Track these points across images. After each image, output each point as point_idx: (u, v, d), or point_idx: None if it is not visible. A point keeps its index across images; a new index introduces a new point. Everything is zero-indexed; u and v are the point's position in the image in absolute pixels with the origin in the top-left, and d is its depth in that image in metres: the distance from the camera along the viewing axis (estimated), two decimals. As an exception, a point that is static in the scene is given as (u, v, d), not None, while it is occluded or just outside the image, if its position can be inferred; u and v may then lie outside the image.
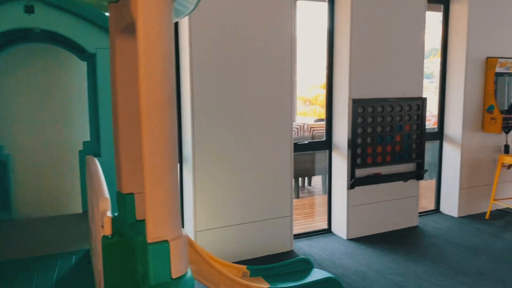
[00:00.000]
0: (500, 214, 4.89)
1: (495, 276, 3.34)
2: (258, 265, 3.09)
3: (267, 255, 3.78)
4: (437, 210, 5.08)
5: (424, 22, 4.30)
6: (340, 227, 4.26)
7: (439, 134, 4.97)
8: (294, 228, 4.08)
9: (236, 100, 3.53)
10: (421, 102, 4.37)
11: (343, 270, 3.49)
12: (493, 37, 4.78)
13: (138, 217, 1.61)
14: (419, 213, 4.90)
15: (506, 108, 4.88)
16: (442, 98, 4.93)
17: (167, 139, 1.26)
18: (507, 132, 4.87)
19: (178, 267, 1.28)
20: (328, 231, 4.39)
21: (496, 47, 4.81)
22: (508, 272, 3.42)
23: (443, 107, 4.93)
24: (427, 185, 5.64)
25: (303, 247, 3.97)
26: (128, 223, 1.61)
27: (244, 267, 2.88)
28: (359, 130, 4.08)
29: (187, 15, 1.85)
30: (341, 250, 3.91)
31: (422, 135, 4.41)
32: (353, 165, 4.08)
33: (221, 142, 3.51)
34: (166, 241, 1.26)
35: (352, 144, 4.05)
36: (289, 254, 3.81)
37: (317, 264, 3.59)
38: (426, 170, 4.51)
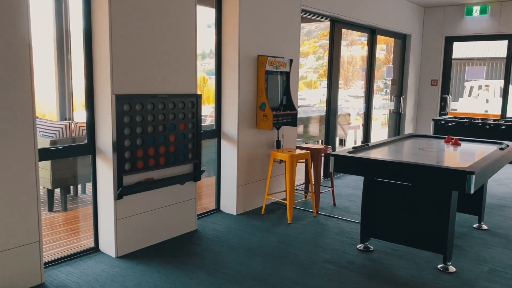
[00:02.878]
0: (274, 208, 5.07)
1: (267, 279, 3.28)
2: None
3: (6, 296, 2.92)
4: (217, 209, 4.97)
5: (194, 16, 4.02)
6: (108, 244, 3.66)
7: (217, 132, 4.85)
8: (52, 251, 3.30)
9: None
10: (196, 99, 4.11)
11: (105, 300, 2.92)
12: (263, 35, 4.87)
13: None
14: (200, 214, 4.70)
15: (276, 105, 5.06)
16: (218, 96, 4.81)
17: None
18: (278, 129, 5.07)
19: None
20: (95, 250, 3.74)
21: (265, 45, 4.93)
22: (278, 272, 3.41)
23: (220, 105, 4.82)
24: (211, 182, 5.49)
25: (59, 276, 3.23)
26: None
27: None
28: (127, 131, 3.54)
29: None
30: (108, 272, 3.33)
31: (198, 134, 4.16)
32: (120, 172, 3.53)
33: None
34: None
35: (119, 148, 3.49)
36: (37, 290, 3.04)
37: (73, 298, 2.93)
38: (203, 171, 4.29)
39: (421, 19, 8.57)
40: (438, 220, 3.42)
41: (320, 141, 8.87)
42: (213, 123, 4.95)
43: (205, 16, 4.92)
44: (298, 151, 4.80)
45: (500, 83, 14.57)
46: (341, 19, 6.38)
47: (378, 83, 11.26)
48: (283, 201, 4.93)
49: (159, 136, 3.79)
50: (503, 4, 7.74)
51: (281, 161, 4.98)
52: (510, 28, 7.73)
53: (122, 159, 3.53)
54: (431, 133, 6.72)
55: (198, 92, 4.16)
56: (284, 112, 5.00)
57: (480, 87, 15.38)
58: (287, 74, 5.14)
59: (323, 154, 5.08)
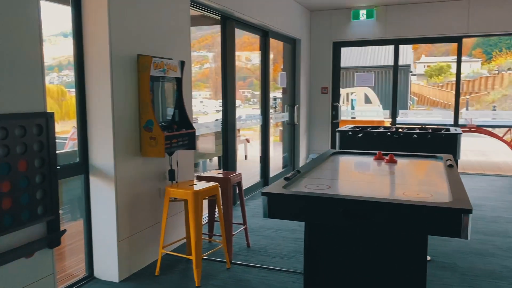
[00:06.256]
0: (171, 262, 3.75)
1: None
2: None
3: None
4: (90, 276, 3.46)
5: (37, 10, 2.57)
6: None
7: (83, 166, 3.36)
8: None
9: None
10: (45, 121, 2.62)
11: None
12: (143, 29, 3.56)
13: None
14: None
15: (167, 123, 3.78)
16: (82, 116, 3.34)
17: None
18: (170, 154, 3.79)
19: None
20: None
21: (148, 42, 3.62)
22: None
23: (85, 128, 3.36)
24: (78, 228, 3.87)
25: None
26: None
27: None
28: None
29: None
30: None
31: (52, 175, 2.67)
32: None
33: None
34: None
35: None
36: None
37: None
38: (64, 231, 2.80)
39: (308, 23, 8.03)
40: (409, 272, 2.54)
41: (210, 159, 7.74)
42: (76, 148, 3.45)
43: (60, 20, 3.47)
44: (201, 184, 3.58)
45: (366, 90, 15.31)
46: (233, 16, 5.35)
47: (245, 93, 10.75)
48: (187, 256, 3.63)
49: (-21, 187, 2.24)
50: (388, 8, 7.57)
51: (176, 199, 3.68)
52: (396, 33, 7.59)
53: None
54: (337, 147, 6.06)
55: (50, 110, 2.69)
56: (179, 132, 3.73)
57: (349, 94, 16.00)
58: (179, 80, 3.89)
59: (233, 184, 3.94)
